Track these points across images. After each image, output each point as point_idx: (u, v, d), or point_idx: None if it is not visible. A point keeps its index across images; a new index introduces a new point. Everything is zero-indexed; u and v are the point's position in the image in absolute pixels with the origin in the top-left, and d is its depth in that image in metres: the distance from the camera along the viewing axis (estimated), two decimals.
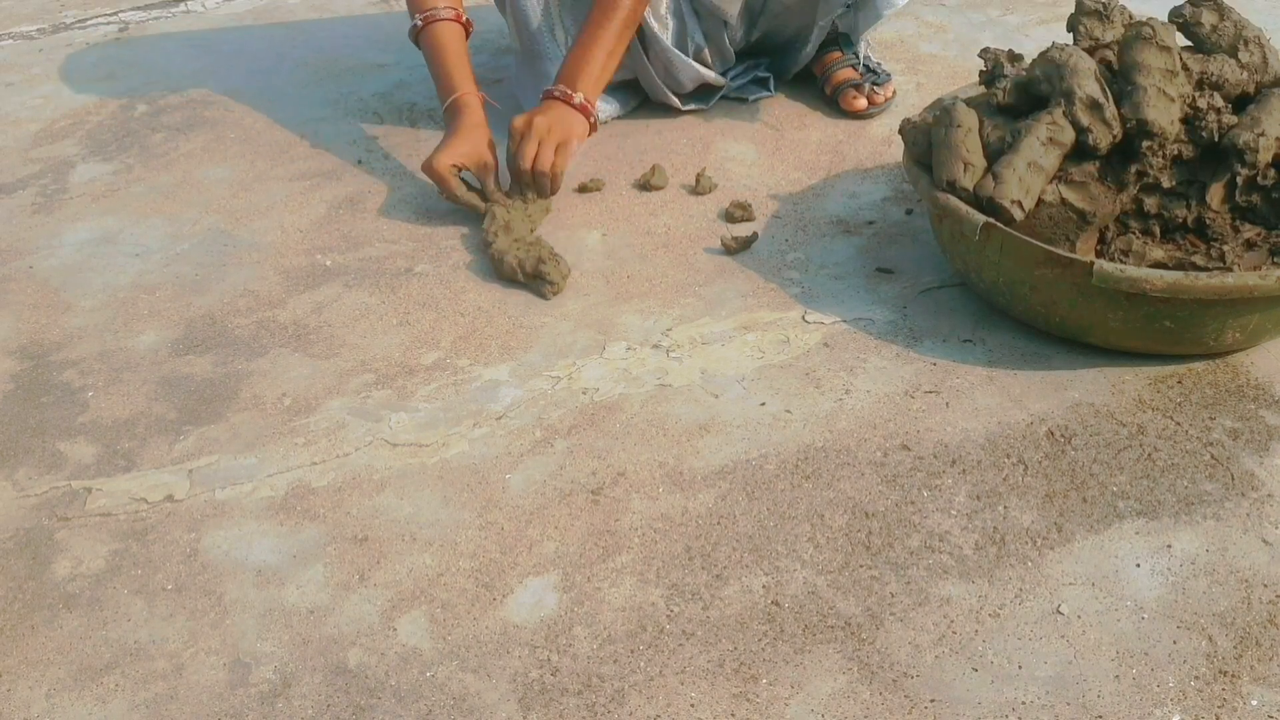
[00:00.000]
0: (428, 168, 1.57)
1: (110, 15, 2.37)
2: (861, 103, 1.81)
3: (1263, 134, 1.26)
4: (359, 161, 1.77)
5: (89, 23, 2.35)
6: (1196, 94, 1.30)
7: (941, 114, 1.35)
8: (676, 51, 1.76)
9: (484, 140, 1.59)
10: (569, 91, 1.61)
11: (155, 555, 1.11)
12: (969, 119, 1.33)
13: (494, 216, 1.52)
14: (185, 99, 1.99)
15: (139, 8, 2.41)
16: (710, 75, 1.79)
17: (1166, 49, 1.28)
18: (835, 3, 1.75)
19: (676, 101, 1.82)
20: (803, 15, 1.79)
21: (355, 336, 1.39)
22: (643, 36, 1.76)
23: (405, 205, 1.66)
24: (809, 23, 1.79)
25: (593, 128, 1.64)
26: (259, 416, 1.28)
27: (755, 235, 1.52)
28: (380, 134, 1.85)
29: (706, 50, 1.80)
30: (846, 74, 1.83)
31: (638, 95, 1.86)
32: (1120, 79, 1.31)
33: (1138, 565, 1.06)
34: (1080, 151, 1.29)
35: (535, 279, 1.44)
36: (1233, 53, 1.35)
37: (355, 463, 1.21)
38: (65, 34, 2.30)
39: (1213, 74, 1.32)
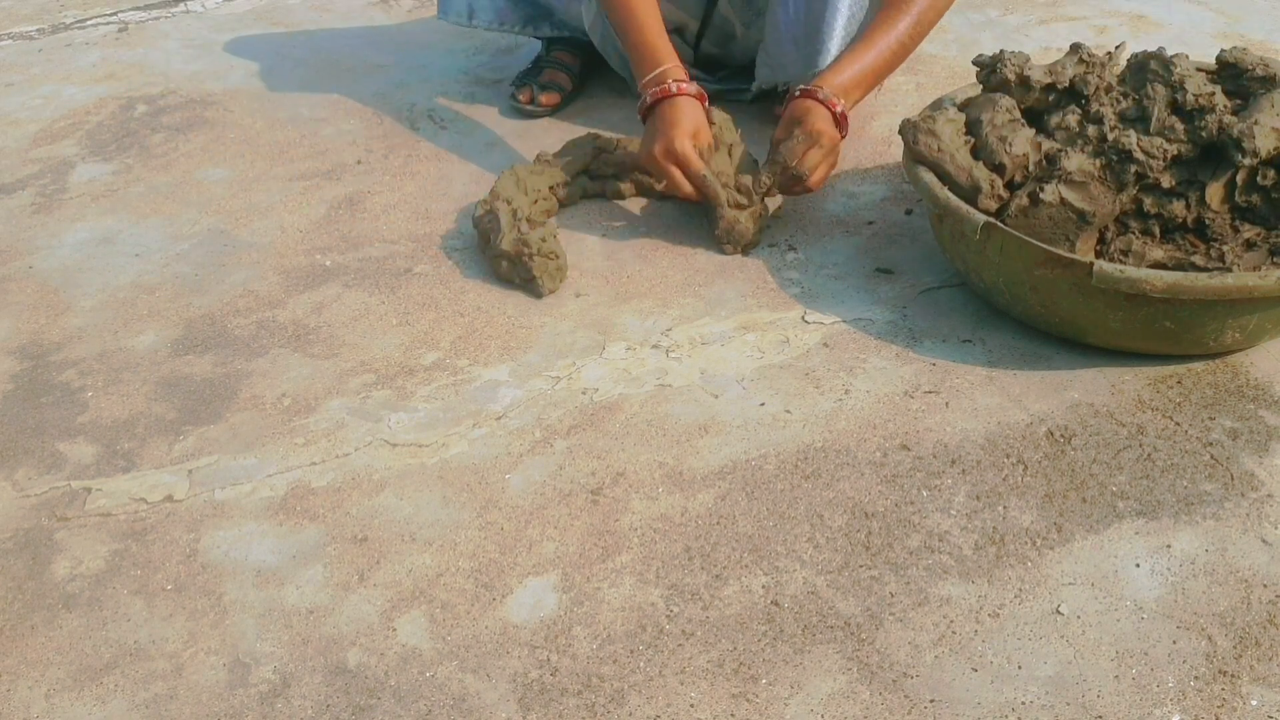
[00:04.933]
0: (664, 153, 1.46)
1: (110, 15, 2.37)
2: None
3: (1257, 122, 1.26)
4: (359, 161, 1.77)
5: (89, 23, 2.35)
6: (1196, 95, 1.30)
7: (941, 111, 1.35)
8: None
9: (704, 119, 1.51)
10: (834, 99, 1.50)
11: (155, 555, 1.11)
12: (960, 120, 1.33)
13: (494, 215, 1.52)
14: (185, 99, 1.99)
15: (139, 8, 2.41)
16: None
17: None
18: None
19: None
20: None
21: (355, 336, 1.39)
22: None
23: (405, 205, 1.65)
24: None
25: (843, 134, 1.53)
26: (259, 416, 1.28)
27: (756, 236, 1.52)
28: (380, 134, 1.85)
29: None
30: None
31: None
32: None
33: (1137, 565, 1.06)
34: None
35: (533, 279, 1.44)
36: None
37: (355, 463, 1.21)
38: (65, 34, 2.30)
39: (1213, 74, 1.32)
